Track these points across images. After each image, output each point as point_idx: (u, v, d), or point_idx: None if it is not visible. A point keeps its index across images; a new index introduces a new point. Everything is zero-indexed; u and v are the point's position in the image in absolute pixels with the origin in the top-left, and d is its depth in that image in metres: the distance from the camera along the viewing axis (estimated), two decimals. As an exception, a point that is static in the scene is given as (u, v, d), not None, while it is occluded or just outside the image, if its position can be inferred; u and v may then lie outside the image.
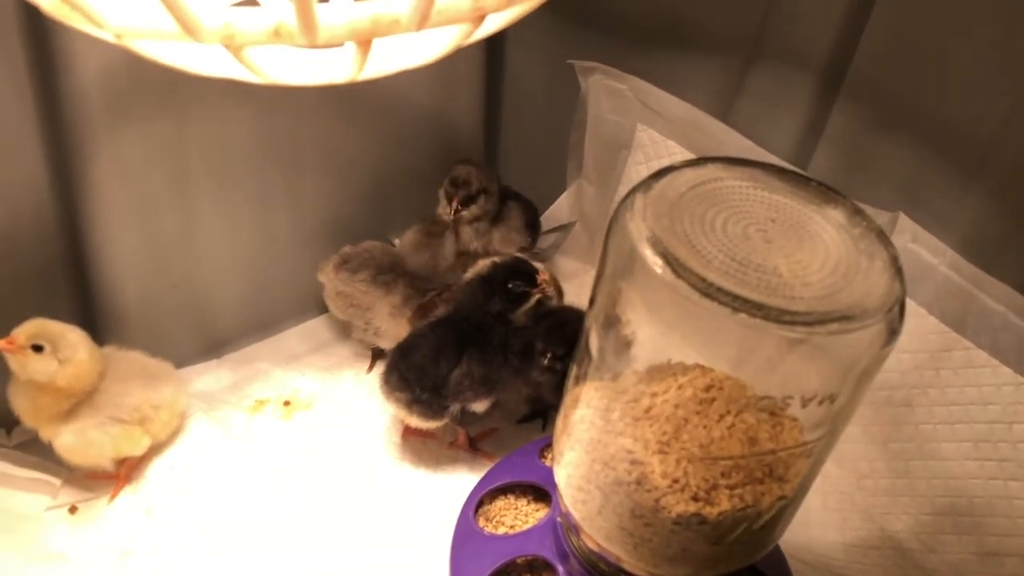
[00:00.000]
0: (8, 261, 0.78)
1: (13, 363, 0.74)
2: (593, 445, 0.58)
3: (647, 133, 0.98)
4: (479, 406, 0.84)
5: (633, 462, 0.55)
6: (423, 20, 0.37)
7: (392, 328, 0.93)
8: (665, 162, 0.97)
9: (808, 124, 0.85)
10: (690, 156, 0.95)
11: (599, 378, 0.58)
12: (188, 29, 0.35)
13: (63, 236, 0.80)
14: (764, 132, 0.88)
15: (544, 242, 1.16)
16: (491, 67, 1.03)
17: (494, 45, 1.02)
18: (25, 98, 0.71)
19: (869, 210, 0.78)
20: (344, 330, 1.01)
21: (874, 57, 0.78)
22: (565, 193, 1.14)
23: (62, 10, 0.38)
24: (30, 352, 0.73)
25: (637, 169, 1.01)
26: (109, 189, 0.79)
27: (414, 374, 0.81)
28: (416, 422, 0.83)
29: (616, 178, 1.04)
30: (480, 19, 0.39)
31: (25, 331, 0.73)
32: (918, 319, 0.78)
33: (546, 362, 0.82)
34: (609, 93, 1.00)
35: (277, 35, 0.36)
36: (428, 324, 0.85)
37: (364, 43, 0.38)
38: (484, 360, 0.82)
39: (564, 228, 1.16)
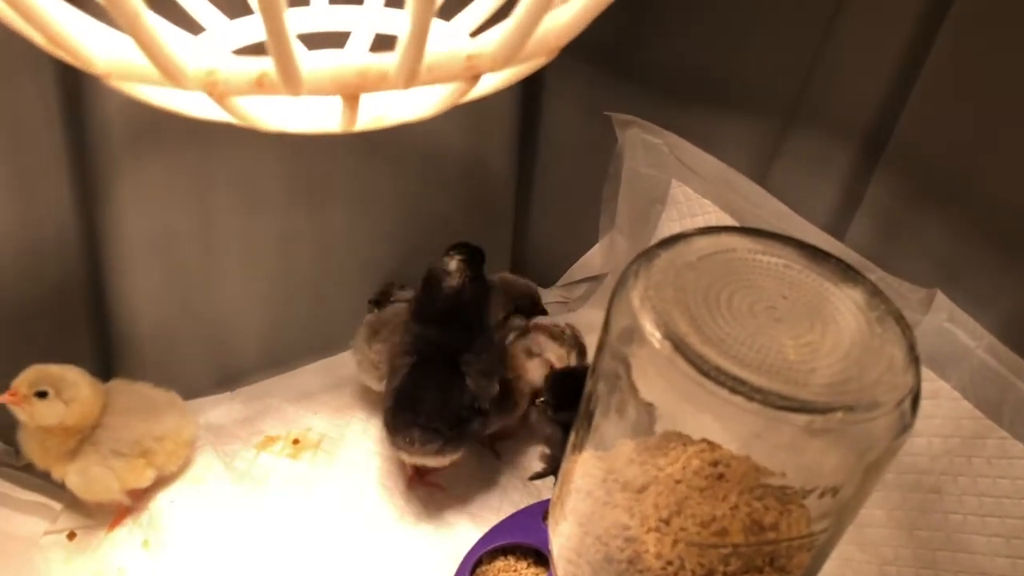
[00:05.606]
0: (30, 283, 0.79)
1: (21, 414, 0.73)
2: (587, 517, 0.55)
3: (682, 190, 0.97)
4: (495, 388, 0.83)
5: (627, 539, 0.53)
6: (411, 77, 0.35)
7: None
8: (699, 220, 0.95)
9: (846, 192, 0.83)
10: (725, 216, 0.93)
11: (598, 447, 0.55)
12: (169, 74, 0.34)
13: (84, 262, 0.81)
14: (801, 197, 0.86)
15: (574, 292, 1.15)
16: (526, 114, 1.02)
17: (530, 92, 1.01)
18: (53, 127, 0.72)
19: (905, 286, 0.76)
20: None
21: (918, 127, 0.75)
22: (598, 244, 1.12)
23: (53, 49, 0.37)
24: (35, 400, 0.72)
25: (670, 225, 0.99)
26: (131, 218, 0.79)
27: (438, 421, 0.79)
28: (447, 460, 0.82)
29: (649, 232, 1.02)
30: (475, 79, 0.38)
31: (26, 380, 0.72)
32: (951, 403, 0.75)
33: (550, 414, 0.80)
34: (645, 147, 0.99)
35: (260, 85, 0.35)
36: (406, 373, 0.81)
37: (351, 97, 0.37)
38: (478, 353, 0.81)
39: (595, 279, 1.14)
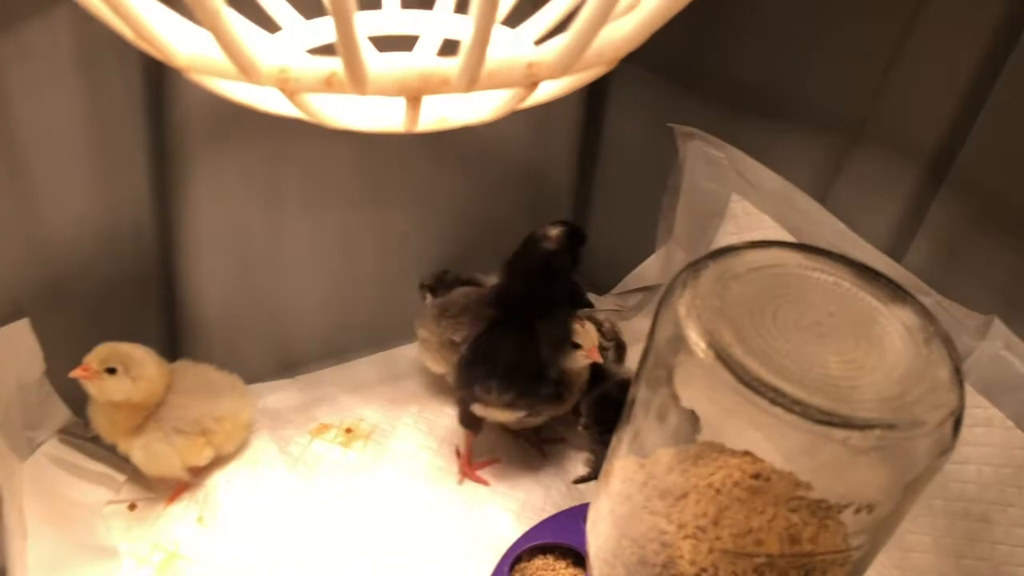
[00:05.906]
0: (106, 266, 0.83)
1: (91, 388, 0.77)
2: (625, 520, 0.56)
3: (741, 204, 0.96)
4: (562, 361, 0.86)
5: (663, 544, 0.53)
6: (472, 82, 0.37)
7: None
8: (757, 235, 0.95)
9: (907, 214, 0.82)
10: (783, 232, 0.92)
11: (638, 452, 0.56)
12: (244, 70, 0.37)
13: (158, 248, 0.85)
14: (861, 218, 0.85)
15: (628, 301, 1.15)
16: (589, 121, 1.03)
17: (593, 100, 1.02)
18: (137, 118, 0.76)
19: (962, 311, 0.75)
20: (416, 364, 1.03)
21: (983, 153, 0.74)
22: (654, 255, 1.12)
23: (140, 42, 0.40)
24: (105, 376, 0.76)
25: (728, 239, 0.99)
26: (204, 208, 0.83)
27: (515, 374, 0.83)
28: (515, 416, 0.86)
29: (707, 245, 1.02)
30: (534, 85, 0.40)
31: (97, 356, 0.77)
32: (1004, 432, 0.73)
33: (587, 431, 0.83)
34: (706, 160, 0.99)
35: (329, 84, 0.37)
36: (485, 331, 0.85)
37: (415, 99, 0.39)
38: (551, 322, 0.84)
39: (650, 289, 1.14)
